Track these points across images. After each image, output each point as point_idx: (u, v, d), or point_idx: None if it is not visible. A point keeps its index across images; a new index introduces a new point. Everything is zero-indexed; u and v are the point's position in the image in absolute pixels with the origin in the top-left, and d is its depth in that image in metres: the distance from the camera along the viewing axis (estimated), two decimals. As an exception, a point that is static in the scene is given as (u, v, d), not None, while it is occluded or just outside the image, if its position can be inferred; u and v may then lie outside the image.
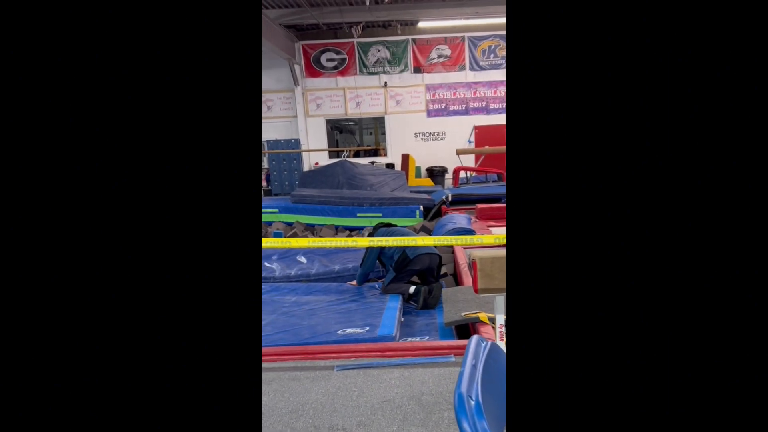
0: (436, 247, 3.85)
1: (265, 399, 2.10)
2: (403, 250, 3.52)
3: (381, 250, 3.68)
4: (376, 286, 3.74)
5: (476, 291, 2.27)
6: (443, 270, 3.98)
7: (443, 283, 3.70)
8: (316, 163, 10.94)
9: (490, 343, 1.07)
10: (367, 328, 2.76)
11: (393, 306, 3.12)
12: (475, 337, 1.09)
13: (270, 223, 6.96)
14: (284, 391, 2.15)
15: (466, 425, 0.82)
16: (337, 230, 6.62)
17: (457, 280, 3.77)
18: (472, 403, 0.86)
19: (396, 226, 4.11)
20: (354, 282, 3.78)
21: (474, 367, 0.96)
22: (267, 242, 3.12)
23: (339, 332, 2.73)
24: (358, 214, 6.81)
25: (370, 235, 4.03)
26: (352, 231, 6.59)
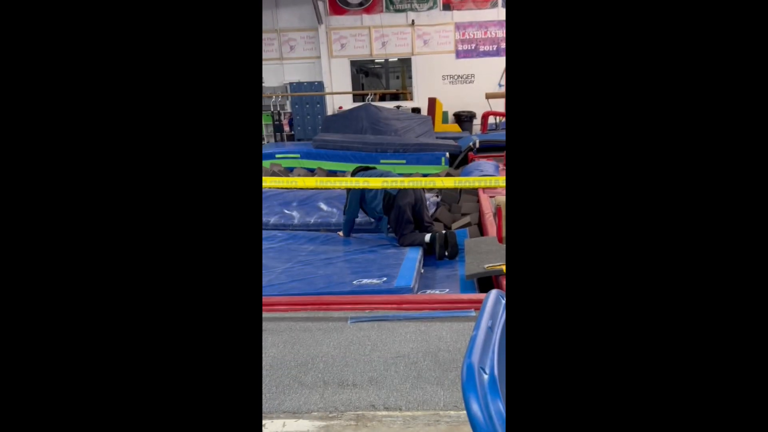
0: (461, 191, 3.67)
1: (274, 351, 2.02)
2: (384, 190, 3.34)
3: (362, 196, 3.50)
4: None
5: (500, 240, 2.08)
6: (467, 220, 3.79)
7: (465, 231, 3.52)
8: (340, 107, 10.62)
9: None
10: (384, 278, 2.64)
11: (413, 257, 2.98)
12: (493, 292, 0.90)
13: (291, 169, 6.84)
14: (294, 343, 2.06)
15: (475, 406, 0.66)
16: (359, 176, 6.45)
17: (482, 230, 3.58)
18: (485, 377, 0.70)
19: (374, 168, 3.92)
20: (341, 233, 3.63)
21: (490, 329, 0.79)
22: (271, 181, 2.98)
23: (355, 282, 2.62)
24: (382, 161, 6.59)
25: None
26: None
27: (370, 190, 3.38)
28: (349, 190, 3.53)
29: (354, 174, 3.74)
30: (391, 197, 3.37)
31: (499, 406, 0.65)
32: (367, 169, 3.81)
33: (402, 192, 3.35)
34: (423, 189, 3.60)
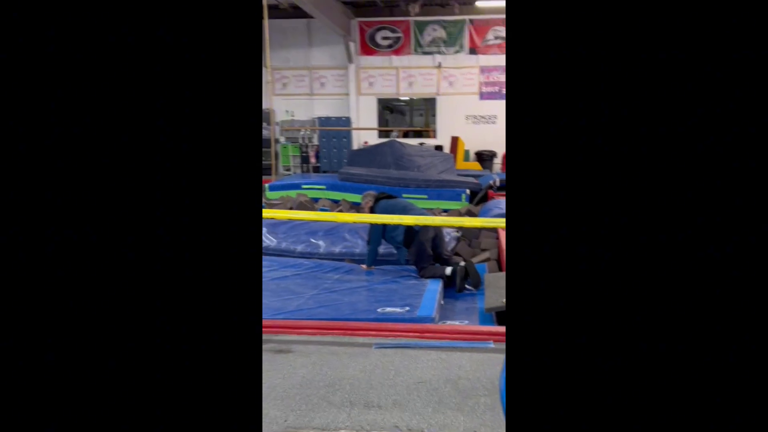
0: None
1: (303, 371, 2.15)
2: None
3: (384, 227, 3.59)
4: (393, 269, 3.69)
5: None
6: (486, 255, 3.90)
7: (484, 266, 3.64)
8: (365, 142, 10.95)
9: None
10: (407, 308, 2.76)
11: (433, 288, 3.10)
12: None
13: (317, 200, 7.07)
14: (322, 365, 2.19)
15: None
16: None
17: (500, 266, 3.70)
18: None
19: (396, 198, 4.02)
20: (364, 266, 3.69)
21: None
22: (278, 213, 3.13)
23: (379, 310, 2.75)
24: (404, 195, 6.77)
25: (371, 209, 3.91)
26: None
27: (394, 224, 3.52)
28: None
29: (377, 201, 3.87)
30: (412, 231, 3.50)
31: None
32: (389, 197, 3.93)
33: (424, 227, 3.49)
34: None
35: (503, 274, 3.24)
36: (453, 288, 3.39)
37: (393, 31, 11.02)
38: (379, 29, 11.06)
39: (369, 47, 11.16)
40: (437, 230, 3.63)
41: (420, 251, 3.47)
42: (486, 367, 2.15)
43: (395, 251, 3.75)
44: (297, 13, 10.22)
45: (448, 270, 3.43)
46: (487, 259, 3.89)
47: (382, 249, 3.86)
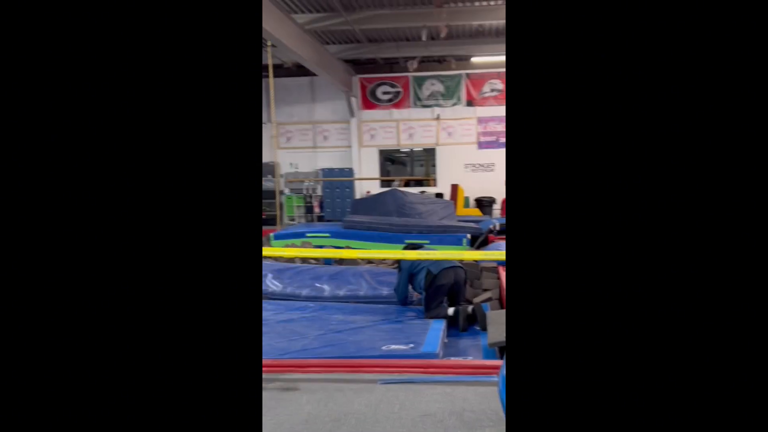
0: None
1: (308, 408, 2.17)
2: (427, 268, 3.60)
3: (410, 275, 3.78)
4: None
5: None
6: (488, 295, 3.95)
7: (487, 306, 3.68)
8: (368, 192, 11.17)
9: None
10: (412, 345, 2.79)
11: (437, 327, 3.14)
12: None
13: (321, 247, 7.16)
14: (328, 401, 2.21)
15: None
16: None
17: (502, 304, 3.74)
18: None
19: (423, 247, 4.18)
20: None
21: None
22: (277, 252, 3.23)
23: (383, 348, 2.78)
24: (406, 241, 6.87)
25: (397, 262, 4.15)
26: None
27: (418, 270, 3.70)
28: (399, 269, 3.89)
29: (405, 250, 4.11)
30: (431, 275, 3.63)
31: None
32: (415, 247, 4.16)
33: (441, 273, 3.63)
34: (464, 272, 3.85)
35: (504, 311, 3.28)
36: (456, 328, 3.43)
37: (393, 86, 11.52)
38: (379, 84, 11.56)
39: (370, 102, 11.62)
40: (458, 276, 3.73)
41: (434, 293, 3.59)
42: (491, 399, 2.17)
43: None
44: (300, 71, 10.74)
45: (450, 311, 3.50)
46: (489, 299, 3.94)
47: (389, 290, 3.94)
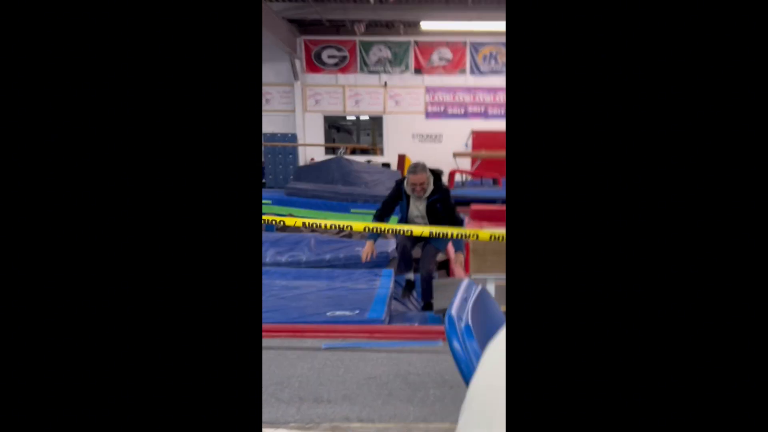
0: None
1: (250, 373, 2.09)
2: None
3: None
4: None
5: (467, 272, 2.27)
6: (439, 256, 3.92)
7: (435, 274, 3.69)
8: (312, 159, 10.91)
9: (480, 287, 1.07)
10: (357, 311, 2.75)
11: (383, 292, 3.11)
12: (466, 279, 1.09)
13: (263, 214, 6.95)
14: (269, 365, 2.13)
15: (456, 344, 0.84)
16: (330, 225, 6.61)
17: (449, 273, 3.77)
18: (462, 324, 0.87)
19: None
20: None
21: (465, 300, 0.97)
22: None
23: (328, 314, 2.72)
24: (352, 210, 6.79)
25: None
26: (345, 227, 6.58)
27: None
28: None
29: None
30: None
31: (474, 346, 0.80)
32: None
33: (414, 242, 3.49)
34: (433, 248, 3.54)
35: (452, 279, 3.31)
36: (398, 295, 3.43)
37: (339, 49, 11.17)
38: (325, 47, 11.16)
39: (315, 65, 11.23)
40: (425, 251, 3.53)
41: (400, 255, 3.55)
42: (435, 363, 2.17)
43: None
44: (243, 28, 10.14)
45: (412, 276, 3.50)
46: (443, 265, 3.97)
47: (338, 254, 3.88)
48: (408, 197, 3.44)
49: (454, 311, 0.88)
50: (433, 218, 3.35)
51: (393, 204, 3.56)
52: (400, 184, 3.52)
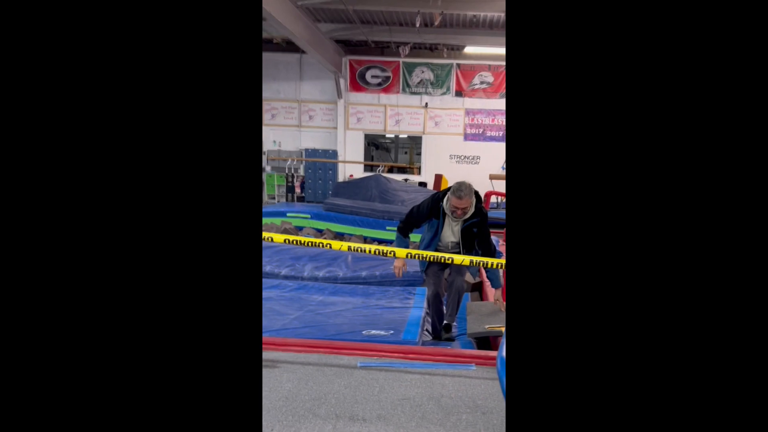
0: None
1: (288, 386, 2.18)
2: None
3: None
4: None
5: (504, 300, 2.31)
6: (477, 278, 3.85)
7: (468, 295, 3.72)
8: (351, 176, 11.12)
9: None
10: (391, 331, 2.82)
11: (417, 313, 3.17)
12: None
13: (301, 228, 7.12)
14: (308, 380, 2.22)
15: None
16: (365, 241, 6.72)
17: (482, 296, 3.80)
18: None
19: None
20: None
21: None
22: (284, 238, 3.20)
23: (363, 332, 2.80)
24: (388, 228, 6.89)
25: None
26: (381, 243, 6.67)
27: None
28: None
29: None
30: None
31: None
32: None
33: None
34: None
35: (485, 302, 3.33)
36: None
37: (383, 70, 11.43)
38: (369, 68, 11.45)
39: (359, 84, 11.51)
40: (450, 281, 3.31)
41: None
42: (468, 387, 2.21)
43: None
44: (290, 47, 10.55)
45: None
46: (471, 290, 3.99)
47: (373, 271, 3.93)
48: (444, 217, 3.15)
49: (504, 353, 0.95)
50: (467, 241, 3.13)
51: (424, 220, 3.24)
52: (438, 201, 3.17)
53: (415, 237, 3.65)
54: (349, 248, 2.53)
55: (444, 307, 3.25)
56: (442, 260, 2.60)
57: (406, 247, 3.32)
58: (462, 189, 3.05)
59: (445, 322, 3.22)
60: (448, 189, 3.13)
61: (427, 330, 3.17)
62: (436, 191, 7.92)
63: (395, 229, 3.34)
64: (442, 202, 3.14)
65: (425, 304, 3.25)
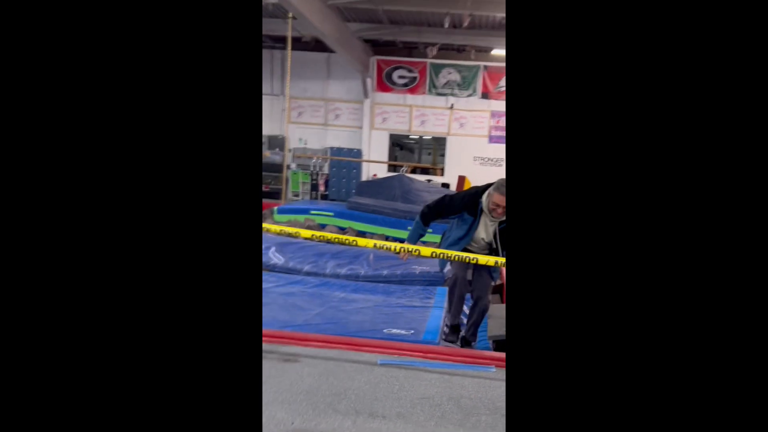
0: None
1: (309, 380, 2.21)
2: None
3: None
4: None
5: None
6: (498, 280, 3.76)
7: (489, 298, 3.70)
8: (374, 175, 11.16)
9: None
10: (412, 331, 2.83)
11: (438, 313, 3.18)
12: None
13: (324, 226, 7.18)
14: (329, 375, 2.25)
15: None
16: (387, 240, 6.75)
17: (503, 299, 3.78)
18: None
19: None
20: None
21: None
22: (307, 233, 3.15)
23: (385, 331, 2.82)
24: (409, 227, 6.90)
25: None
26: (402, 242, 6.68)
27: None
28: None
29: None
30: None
31: None
32: None
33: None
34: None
35: (504, 305, 3.31)
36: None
37: (410, 70, 11.43)
38: (396, 68, 11.46)
39: (385, 84, 11.54)
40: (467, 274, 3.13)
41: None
42: (488, 389, 2.20)
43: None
44: (318, 47, 10.64)
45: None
46: (500, 289, 3.98)
47: (386, 271, 3.95)
48: (480, 215, 2.87)
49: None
50: (502, 244, 2.89)
51: (455, 212, 2.95)
52: (477, 195, 2.88)
53: (430, 237, 3.47)
54: (374, 245, 2.55)
55: (463, 316, 3.16)
56: (467, 260, 2.56)
57: (422, 235, 3.10)
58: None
59: (462, 334, 3.11)
60: (490, 184, 2.86)
61: (446, 326, 3.13)
62: (475, 186, 7.84)
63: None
64: (482, 198, 2.85)
65: (445, 303, 3.23)
